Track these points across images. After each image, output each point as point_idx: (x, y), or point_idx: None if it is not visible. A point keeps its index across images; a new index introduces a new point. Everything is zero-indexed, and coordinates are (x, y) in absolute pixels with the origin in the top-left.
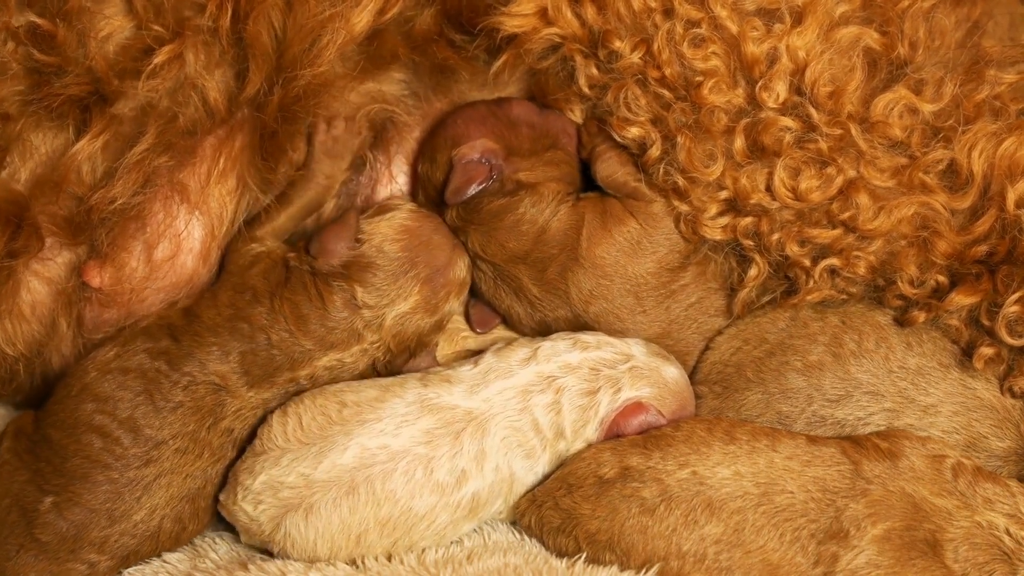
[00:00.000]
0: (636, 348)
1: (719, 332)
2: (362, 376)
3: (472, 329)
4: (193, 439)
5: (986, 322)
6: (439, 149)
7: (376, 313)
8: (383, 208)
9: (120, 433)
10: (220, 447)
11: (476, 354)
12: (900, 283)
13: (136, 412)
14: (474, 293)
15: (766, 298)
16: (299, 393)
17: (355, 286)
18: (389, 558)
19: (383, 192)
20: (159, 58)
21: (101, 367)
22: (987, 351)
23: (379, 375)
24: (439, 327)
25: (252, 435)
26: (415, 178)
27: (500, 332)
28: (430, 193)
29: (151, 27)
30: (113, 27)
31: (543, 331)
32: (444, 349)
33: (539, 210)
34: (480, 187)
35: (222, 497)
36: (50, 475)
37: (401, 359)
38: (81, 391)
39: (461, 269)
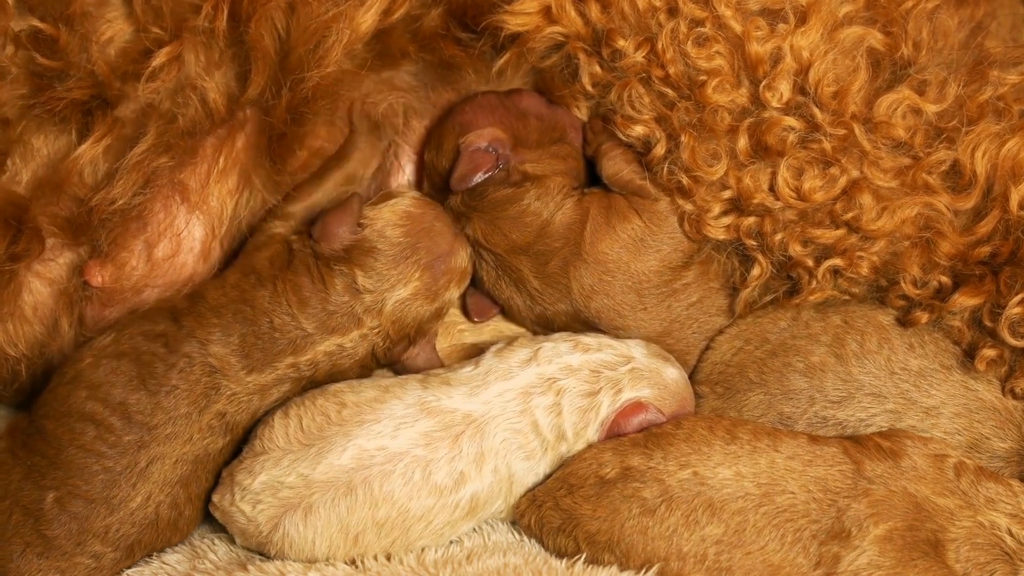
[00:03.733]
0: (636, 350)
1: (720, 331)
2: (362, 364)
3: (469, 318)
4: (184, 423)
5: (988, 323)
6: (446, 136)
7: (376, 298)
8: (387, 195)
9: (113, 420)
10: (210, 430)
11: (477, 354)
12: (903, 284)
13: (128, 397)
14: (475, 283)
15: (768, 297)
16: (299, 380)
17: (356, 270)
18: (388, 558)
19: (392, 181)
20: (158, 60)
21: (96, 353)
22: (989, 352)
23: (378, 363)
24: (438, 315)
25: (247, 423)
26: (421, 167)
27: (498, 325)
28: (435, 180)
29: (150, 29)
30: (114, 30)
31: (542, 324)
32: (441, 342)
33: (544, 203)
34: (486, 175)
35: (216, 498)
36: (46, 469)
37: (400, 347)
38: (74, 378)
39: (463, 258)
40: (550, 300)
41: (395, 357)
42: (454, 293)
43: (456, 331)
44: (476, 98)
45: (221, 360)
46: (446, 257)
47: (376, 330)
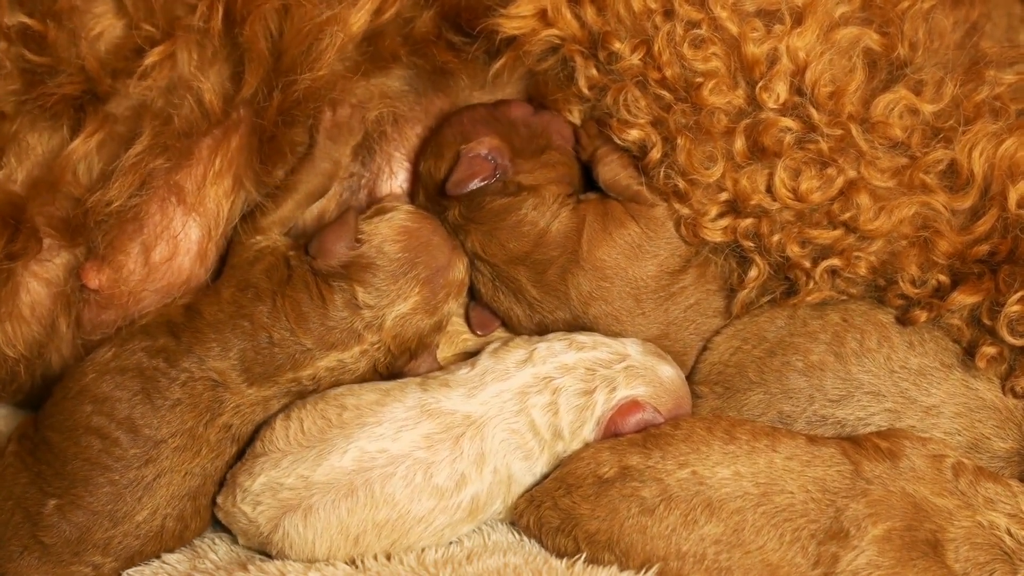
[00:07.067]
0: (632, 348)
1: (716, 332)
2: (364, 378)
3: (472, 332)
4: (191, 436)
5: (988, 321)
6: (447, 145)
7: (376, 314)
8: (381, 209)
9: (119, 434)
10: (218, 443)
11: (473, 355)
12: (901, 283)
13: (134, 412)
14: (474, 295)
15: (766, 298)
16: (302, 394)
17: (355, 286)
18: (388, 558)
19: (384, 187)
20: (150, 59)
21: (99, 368)
22: (989, 350)
23: (381, 377)
24: (439, 328)
25: (253, 432)
26: (415, 175)
27: (498, 332)
28: (430, 190)
29: (142, 27)
30: (104, 26)
31: (541, 333)
32: (445, 351)
33: (540, 212)
34: (482, 183)
35: (219, 499)
36: (51, 478)
37: (402, 360)
38: (79, 393)
39: (460, 270)
40: (549, 308)
41: (397, 370)
42: (453, 305)
43: (460, 340)
44: (467, 111)
45: (222, 374)
46: (444, 271)
47: (377, 346)
